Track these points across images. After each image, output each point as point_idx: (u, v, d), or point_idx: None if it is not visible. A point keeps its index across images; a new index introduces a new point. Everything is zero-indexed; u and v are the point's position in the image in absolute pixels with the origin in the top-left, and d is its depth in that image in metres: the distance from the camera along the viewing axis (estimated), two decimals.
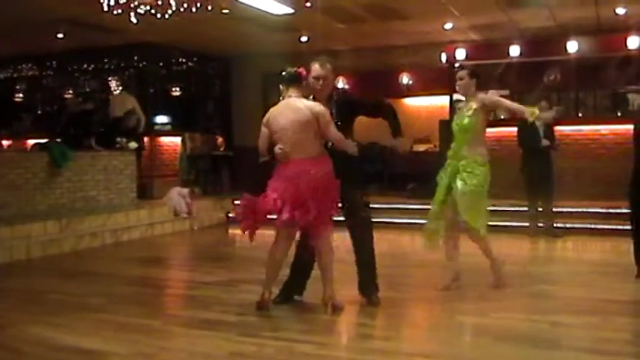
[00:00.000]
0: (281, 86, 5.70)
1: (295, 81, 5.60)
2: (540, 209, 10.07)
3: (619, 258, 7.98)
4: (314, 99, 5.68)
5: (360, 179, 6.00)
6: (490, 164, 6.33)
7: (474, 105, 6.31)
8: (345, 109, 5.76)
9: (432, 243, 6.42)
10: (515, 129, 10.47)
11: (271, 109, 5.60)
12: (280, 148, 5.41)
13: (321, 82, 5.69)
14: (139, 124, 12.99)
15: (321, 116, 5.41)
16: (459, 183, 6.22)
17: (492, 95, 6.64)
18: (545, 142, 9.82)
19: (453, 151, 6.41)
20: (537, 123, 9.93)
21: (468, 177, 6.20)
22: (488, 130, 12.47)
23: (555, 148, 10.09)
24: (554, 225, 10.02)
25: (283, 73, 5.67)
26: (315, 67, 5.71)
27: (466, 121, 6.31)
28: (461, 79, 6.47)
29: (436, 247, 6.45)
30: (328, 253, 5.54)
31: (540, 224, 10.07)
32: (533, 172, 9.90)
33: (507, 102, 6.55)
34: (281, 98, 5.65)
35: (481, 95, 6.44)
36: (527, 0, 10.60)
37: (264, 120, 5.60)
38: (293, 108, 5.46)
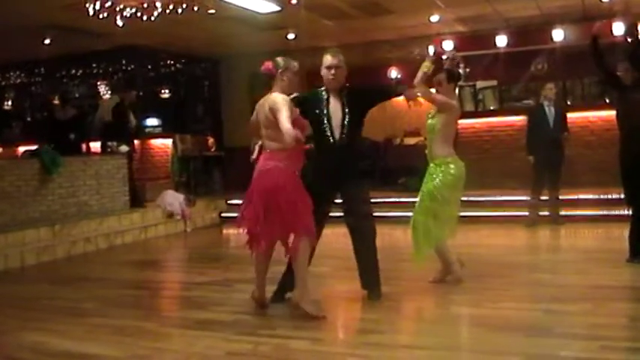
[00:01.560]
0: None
1: (266, 78, 5.57)
2: (546, 198, 10.05)
3: (611, 244, 8.04)
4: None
5: (360, 175, 5.92)
6: (463, 163, 6.30)
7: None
8: (355, 103, 5.72)
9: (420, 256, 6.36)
10: (509, 118, 10.51)
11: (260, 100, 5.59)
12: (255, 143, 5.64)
13: (333, 71, 5.69)
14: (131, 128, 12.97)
15: (271, 105, 5.32)
16: (426, 185, 6.27)
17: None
18: (555, 135, 9.89)
19: (427, 150, 6.42)
20: (547, 110, 9.96)
21: (433, 181, 6.21)
22: (479, 120, 12.72)
23: (566, 136, 10.08)
24: (560, 213, 10.03)
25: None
26: (327, 57, 5.75)
27: (429, 122, 6.34)
28: (439, 84, 6.37)
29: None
30: (301, 254, 5.39)
31: (544, 213, 10.05)
32: (542, 161, 9.88)
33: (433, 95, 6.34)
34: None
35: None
36: None
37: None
38: (264, 103, 5.47)
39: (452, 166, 6.21)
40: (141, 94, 14.70)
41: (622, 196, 7.20)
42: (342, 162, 5.65)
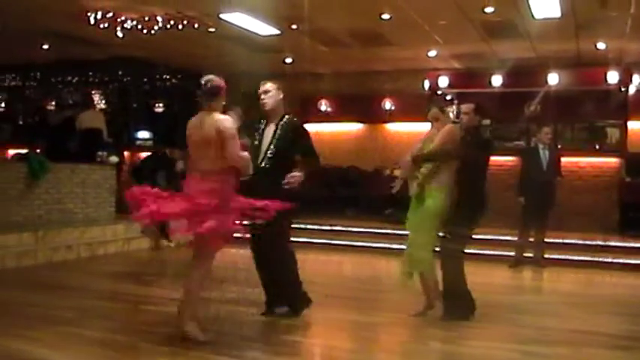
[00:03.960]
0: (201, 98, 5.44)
1: (213, 94, 5.36)
2: (531, 239, 10.06)
3: (592, 290, 8.09)
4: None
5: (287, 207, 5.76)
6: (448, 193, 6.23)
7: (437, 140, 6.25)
8: (287, 135, 5.91)
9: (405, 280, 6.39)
10: (500, 158, 10.58)
11: (191, 120, 5.44)
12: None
13: (262, 96, 5.99)
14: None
15: (223, 130, 5.20)
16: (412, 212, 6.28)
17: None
18: (547, 177, 9.95)
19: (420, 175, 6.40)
20: (541, 153, 10.00)
21: (421, 203, 6.22)
22: None
23: (559, 179, 10.19)
24: (544, 256, 10.03)
25: (202, 85, 5.40)
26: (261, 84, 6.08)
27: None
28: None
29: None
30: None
31: (528, 254, 10.06)
32: (532, 203, 9.89)
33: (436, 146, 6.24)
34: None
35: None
36: (509, 31, 10.75)
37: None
38: (204, 122, 5.29)
39: (441, 196, 6.20)
40: (134, 105, 14.75)
41: None
42: (262, 186, 5.66)
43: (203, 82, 5.36)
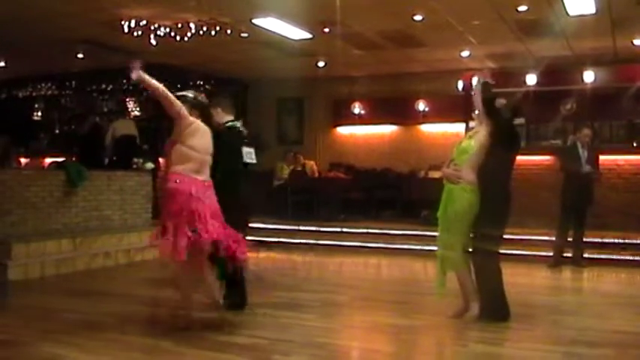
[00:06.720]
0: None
1: (201, 106, 6.05)
2: (570, 239, 9.91)
3: (634, 289, 7.94)
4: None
5: (246, 207, 6.66)
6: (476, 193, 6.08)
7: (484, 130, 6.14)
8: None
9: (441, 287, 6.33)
10: (536, 157, 10.47)
11: (197, 123, 5.94)
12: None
13: None
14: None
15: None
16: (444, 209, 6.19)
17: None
18: (587, 169, 9.72)
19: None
20: (580, 152, 9.86)
21: (451, 203, 6.12)
22: None
23: (597, 177, 10.02)
24: (583, 255, 9.89)
25: (192, 97, 6.14)
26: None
27: (473, 142, 6.14)
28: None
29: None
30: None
31: (568, 254, 9.92)
32: (570, 201, 9.79)
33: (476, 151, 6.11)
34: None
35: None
36: (543, 29, 10.63)
37: (192, 126, 5.92)
38: (208, 132, 5.88)
39: (473, 194, 6.09)
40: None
41: None
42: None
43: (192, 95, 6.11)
